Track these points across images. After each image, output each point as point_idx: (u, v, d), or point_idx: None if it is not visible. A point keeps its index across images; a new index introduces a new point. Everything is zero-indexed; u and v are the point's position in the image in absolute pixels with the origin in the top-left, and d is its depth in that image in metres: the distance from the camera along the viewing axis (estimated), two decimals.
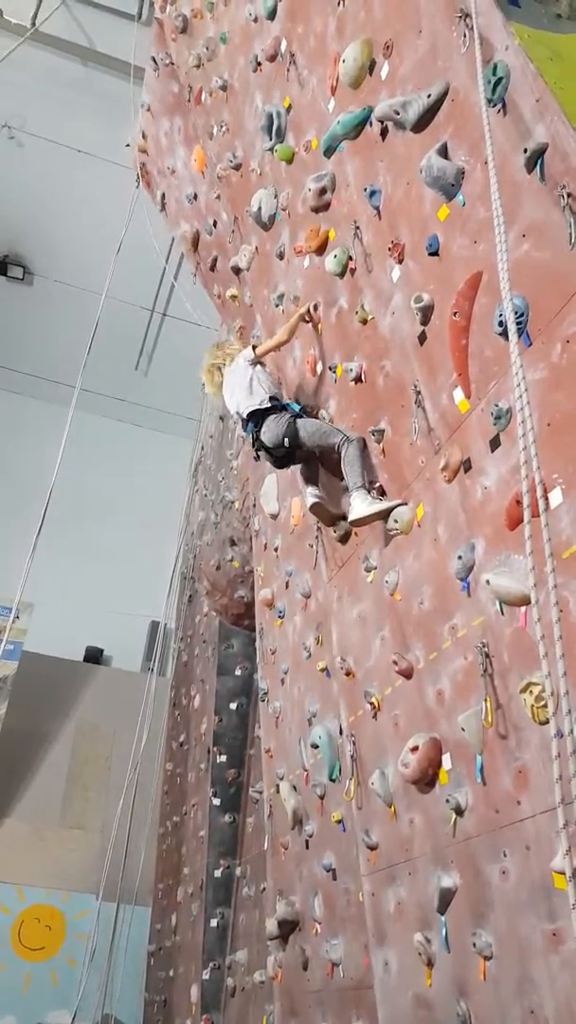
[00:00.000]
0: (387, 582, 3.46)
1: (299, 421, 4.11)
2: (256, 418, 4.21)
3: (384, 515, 3.49)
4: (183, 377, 11.95)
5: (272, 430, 4.12)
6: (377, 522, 3.56)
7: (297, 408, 4.26)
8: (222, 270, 6.31)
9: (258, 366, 4.41)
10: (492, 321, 2.77)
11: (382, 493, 3.61)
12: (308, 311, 4.40)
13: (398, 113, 3.32)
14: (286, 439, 4.07)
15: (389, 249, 3.49)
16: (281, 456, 4.20)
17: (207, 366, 4.73)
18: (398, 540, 3.42)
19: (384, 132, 3.54)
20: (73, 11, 9.69)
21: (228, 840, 7.10)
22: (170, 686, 9.96)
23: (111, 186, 9.45)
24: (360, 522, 3.61)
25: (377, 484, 3.65)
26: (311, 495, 4.15)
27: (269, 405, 4.20)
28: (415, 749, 2.98)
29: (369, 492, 3.62)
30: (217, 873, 6.95)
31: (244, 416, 4.30)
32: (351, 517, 3.63)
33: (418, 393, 3.25)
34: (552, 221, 2.50)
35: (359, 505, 3.58)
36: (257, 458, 4.44)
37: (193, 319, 9.00)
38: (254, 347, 4.55)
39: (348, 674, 3.82)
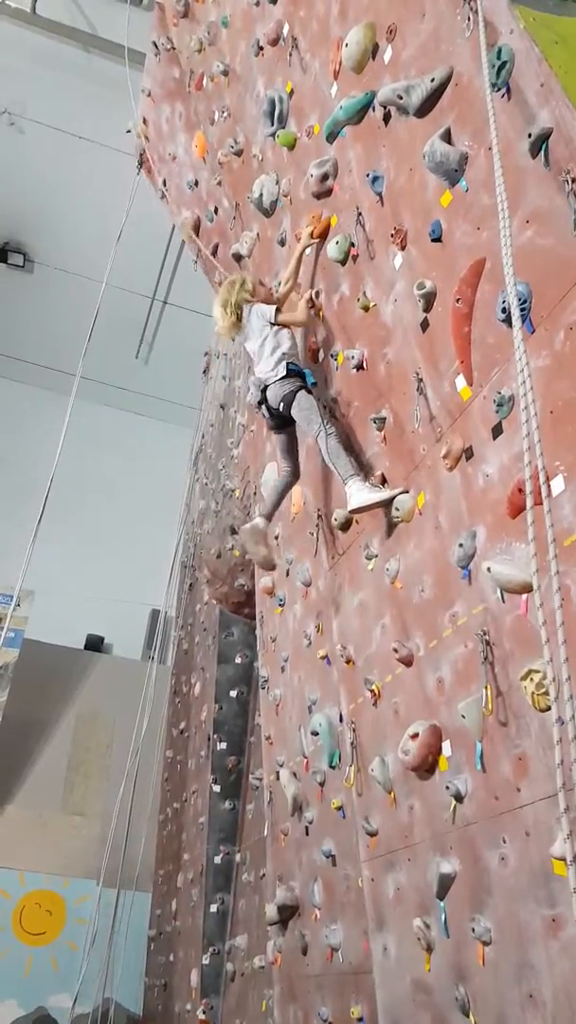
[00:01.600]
0: (388, 570, 3.46)
1: (300, 393, 4.03)
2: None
3: (385, 504, 3.48)
4: (184, 365, 11.98)
5: (276, 391, 4.08)
6: (378, 510, 3.55)
7: (311, 381, 4.19)
8: (223, 257, 6.27)
9: (274, 327, 4.25)
10: (495, 308, 2.75)
11: (383, 481, 3.60)
12: (311, 297, 4.37)
13: (401, 98, 3.29)
14: (282, 404, 4.04)
15: (391, 235, 3.47)
16: (278, 418, 4.17)
17: (225, 300, 4.38)
18: (399, 528, 3.42)
19: (387, 117, 3.51)
20: None
21: (228, 827, 7.13)
22: (170, 674, 9.99)
23: (112, 173, 9.39)
24: (360, 510, 3.60)
25: (378, 473, 3.64)
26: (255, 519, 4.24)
27: (285, 373, 4.10)
28: (415, 736, 2.99)
29: (366, 479, 3.61)
30: (217, 859, 6.99)
31: (265, 382, 4.21)
32: (350, 506, 3.61)
33: (420, 380, 3.24)
34: (556, 207, 2.48)
35: (357, 493, 3.55)
36: (266, 417, 4.36)
37: (194, 307, 8.95)
38: (278, 310, 4.28)
39: (348, 662, 3.83)
